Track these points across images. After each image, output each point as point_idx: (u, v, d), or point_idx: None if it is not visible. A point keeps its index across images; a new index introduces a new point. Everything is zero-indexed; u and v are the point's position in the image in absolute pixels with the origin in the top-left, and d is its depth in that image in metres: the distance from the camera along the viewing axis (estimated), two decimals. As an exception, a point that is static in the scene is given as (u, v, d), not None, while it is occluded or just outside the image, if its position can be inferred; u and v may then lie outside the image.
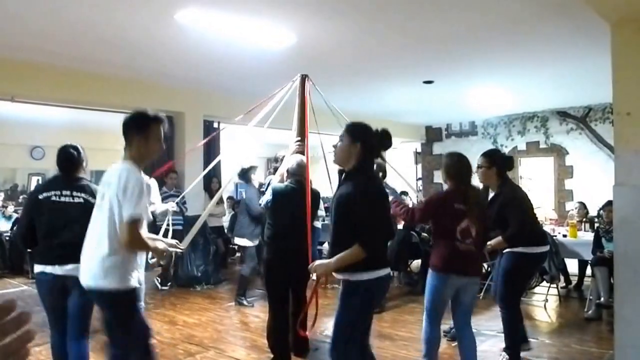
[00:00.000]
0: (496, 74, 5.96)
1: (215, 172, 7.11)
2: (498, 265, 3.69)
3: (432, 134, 10.52)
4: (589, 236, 5.23)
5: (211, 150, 6.90)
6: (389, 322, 4.63)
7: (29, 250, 3.17)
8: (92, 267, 2.23)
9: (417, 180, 10.45)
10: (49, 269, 2.66)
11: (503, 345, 3.58)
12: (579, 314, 4.83)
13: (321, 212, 7.26)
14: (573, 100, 7.94)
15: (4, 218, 7.85)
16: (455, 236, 2.86)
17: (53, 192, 2.73)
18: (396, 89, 6.75)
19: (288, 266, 3.45)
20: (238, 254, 8.66)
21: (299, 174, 3.51)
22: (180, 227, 6.23)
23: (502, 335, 4.08)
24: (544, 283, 5.44)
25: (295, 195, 3.45)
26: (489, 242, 3.39)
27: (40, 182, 10.70)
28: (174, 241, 2.64)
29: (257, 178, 5.51)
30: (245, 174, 5.62)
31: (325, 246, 7.85)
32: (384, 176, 5.18)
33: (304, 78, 3.79)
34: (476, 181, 4.29)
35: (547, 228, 5.27)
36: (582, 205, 6.35)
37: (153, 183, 4.38)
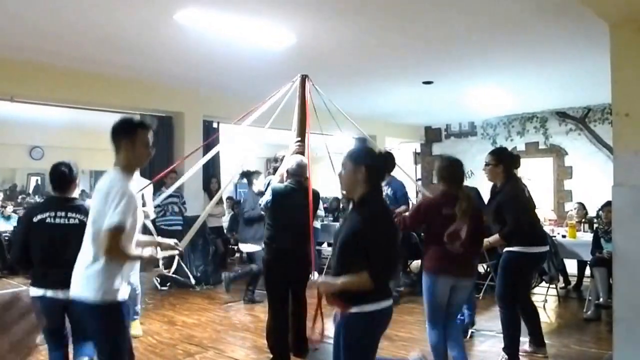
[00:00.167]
0: (495, 75, 5.97)
1: (214, 172, 7.12)
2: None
3: (432, 135, 10.52)
4: (588, 237, 5.24)
5: (210, 149, 6.88)
6: (388, 322, 4.62)
7: (27, 270, 3.15)
8: (75, 277, 2.22)
9: (416, 180, 10.45)
10: (49, 293, 2.61)
11: (502, 345, 3.58)
12: (578, 315, 4.83)
13: (320, 213, 7.27)
14: (572, 100, 7.95)
15: (3, 218, 7.84)
16: (443, 240, 2.92)
17: (47, 214, 2.70)
18: (396, 90, 6.75)
19: (287, 266, 3.45)
20: (237, 255, 8.67)
21: (299, 174, 3.51)
22: (179, 228, 6.23)
23: (502, 335, 4.10)
24: (543, 284, 5.45)
25: (294, 196, 3.45)
26: (486, 239, 3.45)
27: (39, 182, 10.73)
28: (172, 241, 2.62)
29: (257, 184, 5.50)
30: (247, 176, 5.64)
31: (324, 246, 7.86)
32: (392, 168, 5.20)
33: (304, 78, 3.79)
34: (473, 182, 4.31)
35: (546, 229, 5.27)
36: (581, 206, 6.35)
37: (148, 188, 4.35)
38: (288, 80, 3.88)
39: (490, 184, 3.64)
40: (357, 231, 2.12)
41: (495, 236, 3.44)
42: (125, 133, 2.27)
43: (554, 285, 5.42)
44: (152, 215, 4.34)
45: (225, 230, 7.76)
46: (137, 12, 3.80)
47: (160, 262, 3.57)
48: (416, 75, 5.95)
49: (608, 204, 4.38)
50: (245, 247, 5.52)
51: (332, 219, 7.65)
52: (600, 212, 5.12)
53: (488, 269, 5.55)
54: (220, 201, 7.47)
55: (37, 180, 10.79)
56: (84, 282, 2.18)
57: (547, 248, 3.63)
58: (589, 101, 8.00)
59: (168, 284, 6.17)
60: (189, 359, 3.74)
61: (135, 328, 4.22)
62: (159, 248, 2.47)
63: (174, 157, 6.76)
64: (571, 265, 5.94)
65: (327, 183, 8.55)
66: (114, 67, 5.46)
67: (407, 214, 3.51)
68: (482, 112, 8.82)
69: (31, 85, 5.30)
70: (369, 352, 2.18)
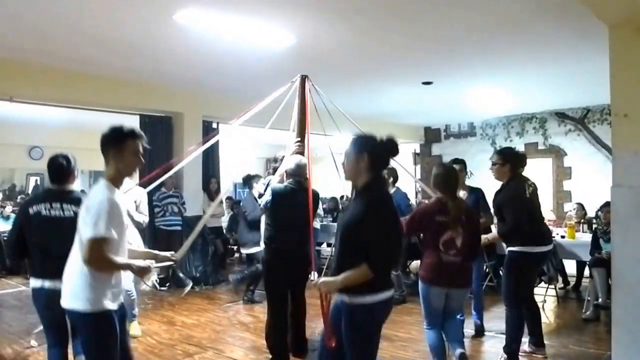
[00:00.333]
0: (495, 75, 5.97)
1: (213, 172, 7.12)
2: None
3: (431, 135, 10.53)
4: (587, 237, 5.24)
5: (209, 150, 6.89)
6: (388, 322, 4.54)
7: (21, 258, 3.14)
8: (65, 285, 2.21)
9: (415, 181, 10.46)
10: (47, 284, 2.61)
11: (501, 345, 3.59)
12: (577, 315, 4.84)
13: (320, 213, 7.28)
14: (571, 101, 7.96)
15: (2, 218, 7.84)
16: (438, 247, 2.96)
17: (43, 206, 2.70)
18: (395, 90, 6.75)
19: (287, 267, 3.45)
20: (237, 255, 8.67)
21: (298, 174, 3.51)
22: (179, 228, 6.24)
23: (502, 336, 4.10)
24: (542, 284, 5.45)
25: (294, 196, 3.45)
26: (485, 236, 3.55)
27: (38, 182, 10.72)
28: (168, 253, 2.58)
29: (258, 188, 5.51)
30: (248, 180, 5.67)
31: (324, 246, 7.86)
32: (395, 180, 5.23)
33: (303, 79, 3.79)
34: (473, 182, 4.31)
35: (545, 229, 5.28)
36: (580, 206, 6.36)
37: (142, 194, 4.35)
38: (288, 81, 3.88)
39: (493, 183, 3.67)
40: (358, 218, 2.12)
41: (494, 233, 3.52)
42: (114, 142, 2.23)
43: (553, 286, 5.43)
44: (145, 221, 4.33)
45: (224, 231, 7.75)
46: (136, 12, 3.80)
47: (155, 273, 3.53)
48: (415, 75, 5.96)
49: (607, 204, 4.38)
50: (246, 250, 5.54)
51: (331, 219, 7.65)
52: (599, 212, 5.13)
53: (487, 269, 5.55)
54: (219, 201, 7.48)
55: (36, 180, 10.78)
56: (74, 291, 2.17)
57: (549, 247, 3.63)
58: (588, 102, 8.01)
59: (167, 285, 6.17)
60: (188, 359, 3.74)
61: (134, 328, 4.22)
62: (152, 262, 2.44)
63: (173, 158, 6.76)
64: (570, 266, 5.95)
65: (326, 183, 8.57)
66: (113, 68, 5.46)
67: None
68: (481, 113, 8.82)
69: (30, 86, 5.30)
70: (371, 343, 2.20)
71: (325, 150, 4.10)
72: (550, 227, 5.89)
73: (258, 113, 3.86)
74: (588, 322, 4.58)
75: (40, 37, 4.38)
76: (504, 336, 4.09)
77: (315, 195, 3.68)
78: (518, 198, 3.44)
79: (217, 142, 7.03)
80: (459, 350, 3.03)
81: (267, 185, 3.72)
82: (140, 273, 2.31)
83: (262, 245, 5.20)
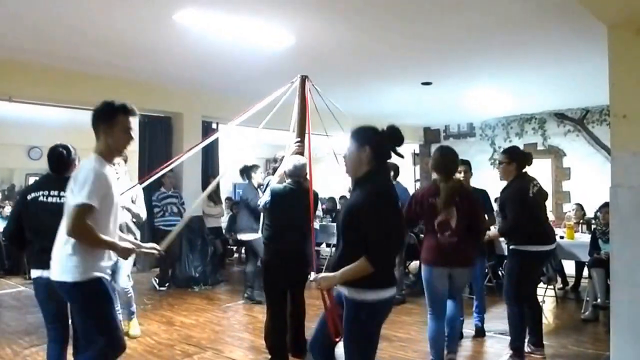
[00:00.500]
0: (494, 76, 5.98)
1: (213, 173, 7.12)
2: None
3: (431, 136, 10.54)
4: (586, 238, 5.25)
5: (209, 150, 6.90)
6: (387, 323, 4.54)
7: (20, 249, 3.11)
8: (53, 259, 2.22)
9: (415, 181, 10.47)
10: (46, 273, 2.56)
11: (500, 346, 3.60)
12: (576, 315, 4.84)
13: (319, 213, 7.28)
14: (570, 102, 7.98)
15: (1, 218, 7.83)
16: (434, 229, 3.01)
17: (41, 193, 2.69)
18: (394, 90, 6.76)
19: (286, 267, 3.45)
20: (236, 255, 8.67)
21: (297, 174, 3.51)
22: (178, 228, 6.24)
23: (501, 336, 4.10)
24: (541, 284, 5.45)
25: (293, 196, 3.45)
26: (487, 233, 3.63)
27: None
28: (149, 244, 2.58)
29: (256, 177, 5.52)
30: (246, 171, 5.65)
31: (323, 247, 7.86)
32: (397, 175, 5.23)
33: (304, 79, 3.79)
34: (472, 182, 4.32)
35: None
36: (579, 207, 6.37)
37: (137, 189, 4.34)
38: (287, 81, 3.87)
39: (492, 184, 3.69)
40: (359, 207, 2.07)
41: (494, 230, 3.57)
42: (105, 117, 2.23)
43: (551, 286, 5.43)
44: (143, 216, 4.33)
45: (224, 231, 7.75)
46: (136, 12, 3.80)
47: (134, 257, 3.49)
48: (415, 76, 5.96)
49: (606, 205, 4.39)
50: (242, 236, 5.51)
51: (330, 219, 7.66)
52: (598, 213, 5.13)
53: (487, 270, 5.55)
54: (219, 201, 7.49)
55: (35, 180, 10.77)
56: (60, 263, 2.17)
57: (552, 246, 3.63)
58: (587, 102, 8.02)
59: (167, 284, 6.17)
60: (187, 359, 3.74)
61: (134, 328, 4.22)
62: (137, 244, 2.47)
63: (172, 157, 6.75)
64: (569, 266, 5.96)
65: (326, 183, 8.58)
66: (112, 68, 5.46)
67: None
68: (480, 113, 8.83)
69: (30, 86, 5.29)
70: (371, 342, 2.18)
71: (324, 151, 4.10)
72: (550, 228, 5.93)
73: (258, 113, 3.85)
74: (587, 322, 4.59)
75: (39, 37, 4.38)
76: (503, 336, 4.11)
77: (315, 195, 3.68)
78: (520, 197, 3.46)
79: (217, 142, 7.06)
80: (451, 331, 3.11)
81: (267, 185, 3.73)
82: (124, 253, 2.31)
83: (259, 234, 5.22)
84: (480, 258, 4.15)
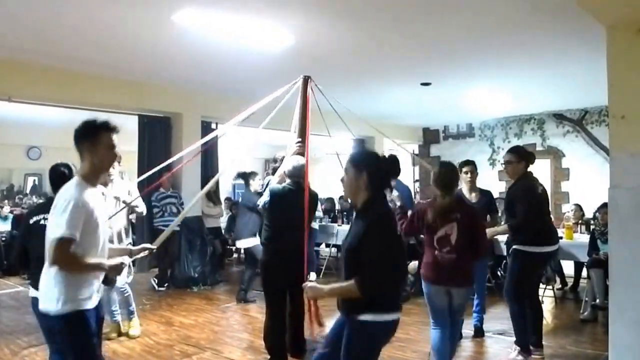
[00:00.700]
0: (493, 76, 5.99)
1: (212, 173, 7.11)
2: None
3: (430, 136, 10.55)
4: (585, 238, 5.25)
5: (208, 150, 6.89)
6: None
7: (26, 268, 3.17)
8: (39, 287, 2.20)
9: (414, 182, 10.48)
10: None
11: (499, 346, 3.60)
12: (575, 316, 4.85)
13: (319, 214, 7.27)
14: (569, 102, 7.99)
15: (0, 219, 7.82)
16: (434, 246, 2.99)
17: (42, 216, 2.68)
18: (394, 91, 6.76)
19: (285, 267, 3.44)
20: (235, 255, 8.66)
21: (297, 175, 3.52)
22: (177, 228, 6.23)
23: (500, 336, 4.11)
24: (540, 285, 5.46)
25: (292, 197, 3.45)
26: (494, 229, 3.64)
27: (36, 182, 10.71)
28: (140, 246, 2.57)
29: (254, 185, 5.51)
30: (244, 177, 5.66)
31: (323, 247, 7.86)
32: (398, 173, 5.20)
33: (306, 79, 3.79)
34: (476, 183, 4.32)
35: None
36: (578, 207, 6.37)
37: (132, 186, 4.34)
38: (287, 81, 3.87)
39: (491, 184, 3.69)
40: (358, 240, 2.07)
41: (504, 225, 3.54)
42: (87, 136, 2.17)
43: (550, 287, 5.44)
44: (143, 210, 4.33)
45: (223, 231, 7.75)
46: (135, 13, 3.80)
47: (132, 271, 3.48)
48: (414, 76, 5.97)
49: (604, 205, 4.39)
50: (241, 243, 5.51)
51: (329, 220, 7.66)
52: (597, 213, 5.14)
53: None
54: (218, 201, 7.48)
55: (34, 180, 10.76)
56: (44, 292, 2.15)
57: (556, 247, 3.64)
58: (586, 103, 8.03)
59: (166, 285, 6.16)
60: (186, 359, 3.73)
61: (134, 328, 4.22)
62: (126, 257, 2.42)
63: (172, 158, 6.75)
64: (568, 267, 5.96)
65: (325, 184, 8.58)
66: (111, 68, 5.46)
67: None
68: (479, 114, 8.84)
69: (29, 86, 5.29)
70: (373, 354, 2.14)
71: (323, 151, 4.10)
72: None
73: (258, 113, 3.86)
74: (585, 322, 4.59)
75: (39, 37, 4.38)
76: (502, 337, 4.12)
77: (314, 196, 3.68)
78: (531, 193, 3.48)
79: (217, 142, 7.06)
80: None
81: (266, 185, 3.73)
82: (113, 271, 2.27)
83: (258, 240, 5.22)
84: (483, 259, 4.14)
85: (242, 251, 7.48)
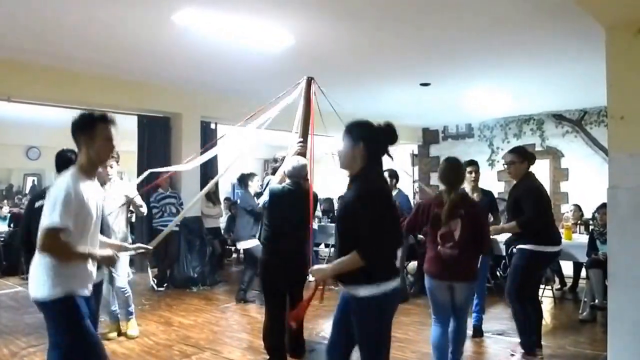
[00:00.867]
0: (492, 77, 5.99)
1: (212, 174, 7.11)
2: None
3: (429, 136, 10.56)
4: (584, 238, 5.26)
5: (207, 150, 6.88)
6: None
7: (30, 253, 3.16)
8: (30, 274, 2.20)
9: (413, 182, 10.48)
10: None
11: (498, 346, 3.60)
12: (574, 316, 4.85)
13: (318, 214, 7.28)
14: (568, 103, 8.00)
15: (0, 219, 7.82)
16: (436, 241, 2.99)
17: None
18: (393, 91, 6.77)
19: (285, 267, 3.45)
20: (235, 255, 8.66)
21: (296, 175, 3.52)
22: (176, 229, 6.23)
23: (498, 337, 4.11)
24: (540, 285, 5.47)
25: (292, 197, 3.45)
26: (502, 225, 3.63)
27: (35, 182, 10.71)
28: (135, 245, 2.57)
29: (253, 186, 5.52)
30: (243, 179, 5.66)
31: (322, 247, 7.86)
32: (397, 182, 5.24)
33: (309, 80, 3.79)
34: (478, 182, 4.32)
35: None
36: (577, 208, 6.38)
37: (131, 187, 4.35)
38: (286, 81, 3.88)
39: (490, 185, 3.69)
40: (351, 205, 2.09)
41: (512, 222, 3.50)
42: (85, 128, 2.19)
43: (549, 287, 5.45)
44: (144, 210, 4.33)
45: (222, 231, 7.75)
46: (135, 13, 3.81)
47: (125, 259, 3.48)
48: (413, 76, 5.97)
49: (603, 206, 4.40)
50: (241, 244, 5.51)
51: (328, 220, 7.66)
52: (596, 214, 5.15)
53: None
54: (218, 202, 7.48)
55: (33, 180, 10.75)
56: (35, 280, 2.15)
57: (560, 247, 3.65)
58: (585, 104, 8.04)
59: (165, 285, 6.16)
60: (185, 359, 3.73)
61: (132, 328, 4.22)
62: (120, 252, 2.42)
63: (171, 158, 6.76)
64: (567, 267, 5.97)
65: (324, 184, 8.57)
66: (111, 68, 5.46)
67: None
68: (479, 114, 8.85)
69: (28, 86, 5.29)
70: (382, 339, 2.17)
71: (322, 152, 4.10)
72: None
73: (259, 114, 3.85)
74: (584, 322, 4.60)
75: (38, 37, 4.38)
76: (501, 337, 4.13)
77: (314, 196, 3.68)
78: (539, 191, 3.50)
79: (216, 143, 7.06)
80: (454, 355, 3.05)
81: (266, 185, 3.73)
82: (105, 262, 2.27)
83: (254, 243, 5.22)
84: (483, 257, 4.14)
85: (242, 252, 7.49)
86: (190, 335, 4.31)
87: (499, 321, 4.54)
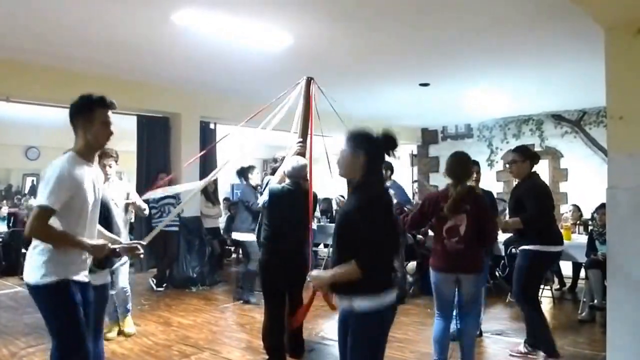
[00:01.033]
0: (492, 77, 6.00)
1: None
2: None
3: (428, 136, 10.56)
4: (583, 239, 5.26)
5: (208, 151, 6.88)
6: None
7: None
8: (25, 263, 2.20)
9: (412, 182, 10.49)
10: None
11: (497, 347, 3.60)
12: (573, 316, 4.86)
13: (317, 214, 7.28)
14: (568, 103, 8.00)
15: (-1, 219, 7.81)
16: (442, 235, 3.01)
17: None
18: (392, 91, 6.77)
19: (284, 267, 3.45)
20: (234, 255, 8.66)
21: (296, 175, 3.52)
22: (176, 229, 6.23)
23: (498, 337, 4.12)
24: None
25: (291, 197, 3.46)
26: (505, 219, 3.61)
27: (34, 182, 10.69)
28: (129, 242, 2.56)
29: (254, 178, 5.53)
30: (243, 172, 5.65)
31: (321, 247, 7.86)
32: (392, 173, 5.23)
33: (309, 80, 3.79)
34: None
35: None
36: (576, 208, 6.39)
37: (131, 187, 4.35)
38: (286, 81, 3.88)
39: (489, 185, 3.69)
40: (351, 215, 2.08)
41: (516, 218, 3.49)
42: (83, 111, 2.15)
43: (548, 287, 5.45)
44: (145, 211, 4.33)
45: (222, 232, 7.75)
46: (134, 13, 3.80)
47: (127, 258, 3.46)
48: (413, 77, 5.97)
49: (603, 206, 4.41)
50: (239, 236, 5.50)
51: (327, 220, 7.67)
52: (595, 214, 5.15)
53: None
54: (217, 202, 7.48)
55: (32, 180, 10.74)
56: (27, 264, 2.14)
57: (562, 247, 3.65)
58: (584, 104, 8.05)
59: (164, 285, 6.16)
60: (184, 359, 3.73)
61: (129, 325, 4.22)
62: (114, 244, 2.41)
63: (170, 158, 6.76)
64: (566, 267, 5.98)
65: (323, 184, 8.56)
66: (110, 68, 5.45)
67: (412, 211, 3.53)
68: (478, 114, 8.85)
69: (27, 86, 5.28)
70: (377, 352, 2.13)
71: (321, 152, 4.10)
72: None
73: (260, 114, 3.85)
74: (583, 323, 4.60)
75: (38, 37, 4.37)
76: (500, 337, 4.13)
77: (314, 196, 3.68)
78: (543, 189, 3.50)
79: (216, 143, 7.06)
80: (469, 351, 3.06)
81: (266, 185, 3.73)
82: (96, 251, 2.21)
83: (254, 237, 5.21)
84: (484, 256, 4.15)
85: (240, 249, 7.48)
86: (190, 335, 4.31)
87: (498, 321, 4.55)
